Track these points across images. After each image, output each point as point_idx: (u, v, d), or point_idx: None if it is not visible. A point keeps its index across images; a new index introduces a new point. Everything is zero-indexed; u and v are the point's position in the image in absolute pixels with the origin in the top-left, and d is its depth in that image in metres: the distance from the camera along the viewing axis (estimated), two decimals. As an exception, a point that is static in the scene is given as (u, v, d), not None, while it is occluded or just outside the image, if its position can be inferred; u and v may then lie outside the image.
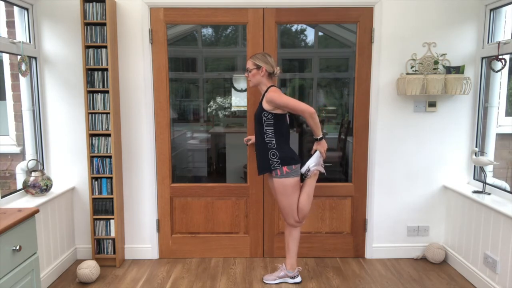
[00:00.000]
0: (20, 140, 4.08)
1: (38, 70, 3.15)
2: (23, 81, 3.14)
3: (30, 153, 3.21)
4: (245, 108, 3.44)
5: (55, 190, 3.15)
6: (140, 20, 3.17)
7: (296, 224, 2.90)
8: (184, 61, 4.94)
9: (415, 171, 3.35)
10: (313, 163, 2.85)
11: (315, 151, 2.84)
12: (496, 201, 2.83)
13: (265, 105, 2.76)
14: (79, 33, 3.14)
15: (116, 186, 3.16)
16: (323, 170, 2.91)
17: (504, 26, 3.18)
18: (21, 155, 4.08)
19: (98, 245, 3.25)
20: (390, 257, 3.44)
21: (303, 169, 2.87)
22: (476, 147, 3.25)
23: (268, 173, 2.89)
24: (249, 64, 2.84)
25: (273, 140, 2.78)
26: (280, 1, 3.16)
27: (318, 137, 2.80)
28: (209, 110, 5.04)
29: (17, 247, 1.91)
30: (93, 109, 3.11)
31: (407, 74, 3.16)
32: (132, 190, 3.35)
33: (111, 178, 3.17)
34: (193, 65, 4.98)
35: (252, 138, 3.17)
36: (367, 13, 3.20)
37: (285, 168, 2.76)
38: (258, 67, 2.80)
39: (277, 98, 2.71)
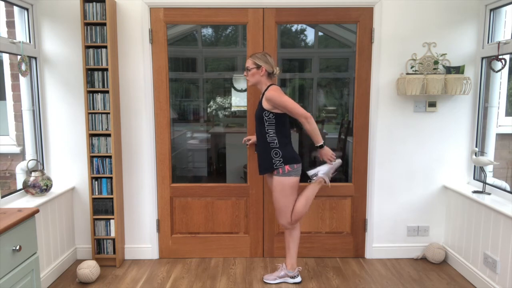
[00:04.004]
0: (20, 140, 4.08)
1: (38, 70, 3.15)
2: (23, 81, 3.14)
3: (30, 153, 3.21)
4: (245, 108, 3.44)
5: (55, 190, 3.15)
6: (140, 20, 3.17)
7: (287, 226, 2.88)
8: (184, 61, 4.94)
9: (415, 171, 3.35)
10: (324, 171, 2.84)
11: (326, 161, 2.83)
12: (496, 201, 2.83)
13: (265, 104, 2.75)
14: (79, 33, 3.14)
15: (116, 186, 3.16)
16: (328, 183, 2.89)
17: (504, 26, 3.18)
18: (21, 155, 4.08)
19: (98, 245, 3.25)
20: (390, 257, 3.44)
21: (311, 172, 2.86)
22: (476, 147, 3.25)
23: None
24: (249, 63, 2.81)
25: (276, 140, 2.77)
26: (280, 1, 3.16)
27: (318, 145, 2.76)
28: (209, 110, 5.03)
29: (17, 247, 1.91)
30: (93, 109, 3.11)
31: (407, 74, 3.16)
32: (132, 190, 3.35)
33: (111, 178, 3.17)
34: (193, 65, 4.98)
35: (252, 138, 3.17)
36: (367, 13, 3.20)
37: (287, 167, 2.75)
38: (258, 67, 2.78)
39: (276, 97, 2.69)
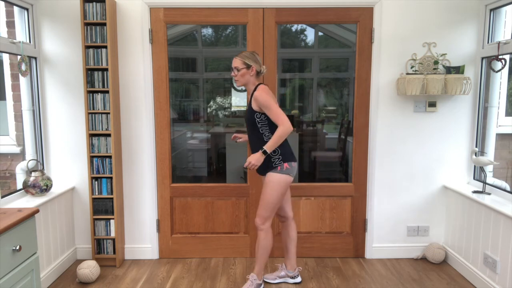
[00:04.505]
0: (20, 140, 4.08)
1: (38, 70, 3.15)
2: (23, 81, 3.14)
3: (30, 153, 3.21)
4: (245, 108, 3.44)
5: (55, 190, 3.15)
6: (140, 20, 3.17)
7: (263, 223, 2.75)
8: (184, 61, 4.95)
9: (415, 171, 3.35)
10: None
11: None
12: (496, 201, 2.83)
13: (254, 105, 2.66)
14: (79, 33, 3.14)
15: (116, 186, 3.16)
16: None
17: (504, 26, 3.18)
18: (21, 155, 4.08)
19: (98, 245, 3.25)
20: (390, 257, 3.44)
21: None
22: (476, 147, 3.25)
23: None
24: (238, 63, 2.68)
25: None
26: (280, 1, 3.16)
27: (264, 149, 2.59)
28: (209, 110, 5.04)
29: (17, 247, 1.91)
30: (93, 109, 3.11)
31: (407, 74, 3.16)
32: (132, 190, 3.35)
33: (111, 178, 3.17)
34: (193, 65, 4.98)
35: (243, 137, 3.04)
36: (367, 13, 3.20)
37: (286, 164, 2.69)
38: (248, 67, 2.67)
39: (262, 97, 2.59)
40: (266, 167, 2.75)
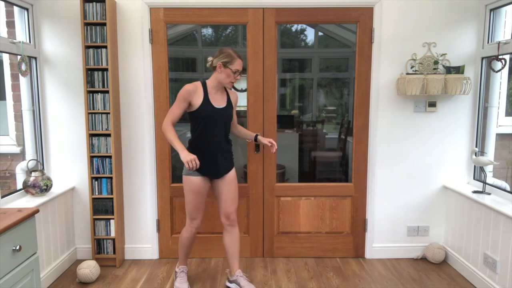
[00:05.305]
0: (20, 140, 4.09)
1: (38, 70, 3.15)
2: (23, 81, 3.14)
3: (30, 153, 3.21)
4: (245, 108, 3.44)
5: (55, 190, 3.15)
6: (140, 20, 3.17)
7: (235, 221, 2.90)
8: (184, 61, 4.95)
9: (415, 171, 3.35)
10: None
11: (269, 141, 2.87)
12: (496, 201, 2.83)
13: (234, 103, 2.84)
14: (79, 33, 3.14)
15: (116, 186, 3.16)
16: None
17: (504, 26, 3.18)
18: (21, 155, 4.08)
19: (98, 245, 3.25)
20: (390, 257, 3.44)
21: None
22: (476, 147, 3.25)
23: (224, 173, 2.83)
24: (242, 66, 2.75)
25: (231, 138, 2.87)
26: (280, 1, 3.16)
27: (255, 135, 2.93)
28: (209, 110, 5.03)
29: (17, 247, 1.92)
30: (93, 109, 3.11)
31: (407, 74, 3.16)
32: (132, 190, 3.35)
33: (111, 178, 3.17)
34: (193, 65, 4.98)
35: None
36: (367, 13, 3.20)
37: None
38: None
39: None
40: (231, 165, 2.85)
